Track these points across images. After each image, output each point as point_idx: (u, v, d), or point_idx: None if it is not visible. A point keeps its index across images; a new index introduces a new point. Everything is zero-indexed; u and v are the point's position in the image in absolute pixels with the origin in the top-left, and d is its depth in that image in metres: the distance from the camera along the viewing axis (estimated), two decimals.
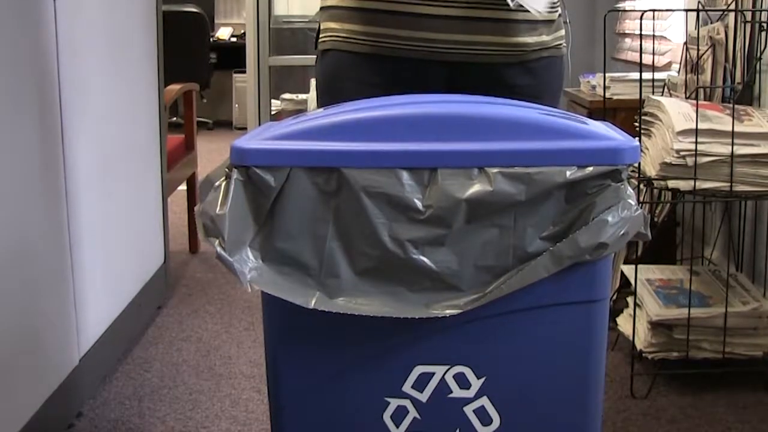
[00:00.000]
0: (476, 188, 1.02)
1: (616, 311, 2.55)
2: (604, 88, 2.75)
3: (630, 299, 2.48)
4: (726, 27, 2.52)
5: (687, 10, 2.81)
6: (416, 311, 1.04)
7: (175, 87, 3.37)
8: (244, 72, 4.51)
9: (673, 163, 2.18)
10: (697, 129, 2.17)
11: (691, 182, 2.18)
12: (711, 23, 2.61)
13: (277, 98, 5.51)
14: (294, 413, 1.11)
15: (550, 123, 1.06)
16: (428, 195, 1.03)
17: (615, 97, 2.93)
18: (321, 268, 1.04)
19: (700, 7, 2.59)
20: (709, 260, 2.72)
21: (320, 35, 1.51)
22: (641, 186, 2.36)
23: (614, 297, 2.63)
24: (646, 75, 2.43)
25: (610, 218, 1.02)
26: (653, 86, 2.65)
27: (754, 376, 2.35)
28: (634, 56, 3.64)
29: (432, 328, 1.06)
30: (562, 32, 1.52)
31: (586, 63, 3.80)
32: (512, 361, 1.08)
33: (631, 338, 2.38)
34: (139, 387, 2.34)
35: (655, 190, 2.51)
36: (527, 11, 1.37)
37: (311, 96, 5.33)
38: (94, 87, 2.26)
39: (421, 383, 1.09)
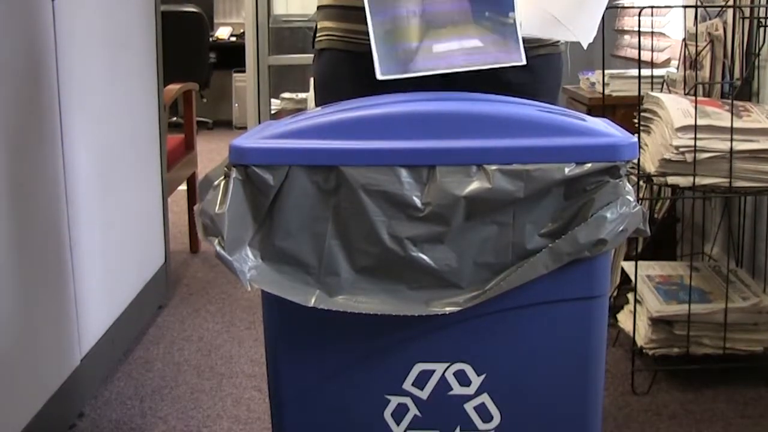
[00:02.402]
0: (475, 185, 1.02)
1: (616, 308, 2.55)
2: (603, 84, 2.75)
3: (630, 296, 2.48)
4: (724, 23, 2.52)
5: (685, 7, 2.81)
6: (416, 309, 1.04)
7: (174, 87, 3.37)
8: (244, 71, 4.50)
9: (673, 159, 2.18)
10: (696, 125, 2.17)
11: (691, 178, 2.18)
12: (709, 19, 2.61)
13: (276, 97, 5.51)
14: (295, 411, 1.12)
15: (548, 120, 1.06)
16: (427, 192, 1.03)
17: (614, 94, 2.93)
18: (320, 267, 1.05)
19: (699, 4, 2.59)
20: (709, 256, 2.72)
21: (317, 34, 1.50)
22: (641, 182, 2.37)
23: (614, 293, 2.63)
24: (645, 72, 2.43)
25: (608, 215, 1.03)
26: (652, 83, 2.65)
27: (754, 372, 2.35)
28: (633, 53, 3.64)
29: (432, 326, 1.06)
30: None
31: (585, 60, 3.79)
32: (512, 358, 1.09)
33: (631, 334, 2.38)
34: (141, 387, 2.35)
35: (655, 187, 2.51)
36: None
37: (311, 95, 5.31)
38: (93, 87, 2.26)
39: (421, 381, 1.09)
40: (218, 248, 1.02)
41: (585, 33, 1.29)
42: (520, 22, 1.21)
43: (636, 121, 2.32)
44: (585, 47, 1.32)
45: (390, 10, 1.14)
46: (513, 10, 1.13)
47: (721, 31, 2.52)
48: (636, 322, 2.36)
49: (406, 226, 1.03)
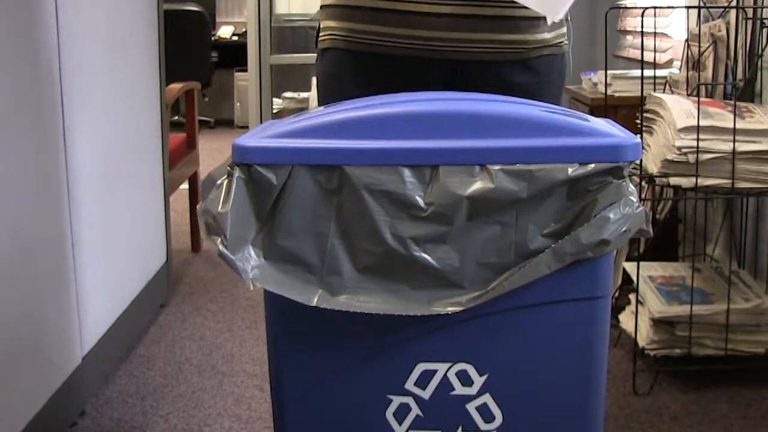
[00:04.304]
0: (478, 185, 1.02)
1: (618, 308, 2.55)
2: (606, 85, 2.75)
3: (632, 296, 2.48)
4: (727, 24, 2.52)
5: (688, 7, 2.81)
6: (418, 308, 1.04)
7: (176, 86, 3.37)
8: (246, 70, 4.51)
9: (675, 160, 2.18)
10: (698, 126, 2.17)
11: (693, 179, 2.18)
12: (712, 20, 2.61)
13: (278, 97, 5.51)
14: (297, 411, 1.12)
15: (551, 120, 1.06)
16: (430, 192, 1.03)
17: (616, 95, 2.93)
18: (323, 266, 1.05)
19: (702, 4, 2.59)
20: (711, 257, 2.72)
21: (320, 34, 1.51)
22: (643, 183, 2.36)
23: (616, 294, 2.63)
24: (648, 72, 2.43)
25: (611, 215, 1.02)
26: (655, 83, 2.64)
27: (756, 373, 2.35)
28: (635, 53, 3.64)
29: (434, 326, 1.06)
30: (564, 30, 1.52)
31: (588, 60, 3.80)
32: (514, 358, 1.09)
33: (633, 335, 2.38)
34: (142, 385, 2.35)
35: (657, 187, 2.51)
36: (526, 8, 1.36)
37: (313, 94, 5.32)
38: (95, 86, 2.26)
39: (423, 380, 1.09)
40: (221, 247, 1.02)
41: (552, 8, 1.29)
42: None
43: (638, 121, 2.32)
44: (549, 23, 1.32)
45: None
46: None
47: (724, 32, 2.52)
48: (637, 323, 2.36)
49: (408, 225, 1.03)
